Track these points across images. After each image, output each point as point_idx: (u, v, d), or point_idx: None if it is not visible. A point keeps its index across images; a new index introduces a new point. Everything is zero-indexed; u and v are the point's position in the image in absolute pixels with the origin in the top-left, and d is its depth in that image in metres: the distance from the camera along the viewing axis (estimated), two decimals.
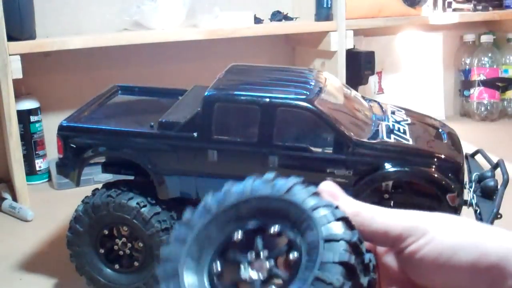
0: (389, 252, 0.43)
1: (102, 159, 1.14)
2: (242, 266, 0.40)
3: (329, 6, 1.83)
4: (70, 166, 1.06)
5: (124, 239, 1.03)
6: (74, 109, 1.14)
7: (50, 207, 1.50)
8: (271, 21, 1.95)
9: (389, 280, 0.43)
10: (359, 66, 1.91)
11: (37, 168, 1.68)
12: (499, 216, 0.97)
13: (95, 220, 1.01)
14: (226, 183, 0.44)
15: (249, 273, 0.40)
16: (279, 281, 0.40)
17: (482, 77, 2.24)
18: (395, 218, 0.40)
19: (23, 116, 1.62)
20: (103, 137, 1.05)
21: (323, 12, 1.84)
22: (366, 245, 0.40)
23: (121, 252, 1.04)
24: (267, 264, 0.40)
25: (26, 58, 1.47)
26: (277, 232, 0.41)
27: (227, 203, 0.43)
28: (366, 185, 0.99)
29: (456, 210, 1.01)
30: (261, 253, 0.41)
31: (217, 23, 1.73)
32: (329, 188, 0.42)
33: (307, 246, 0.39)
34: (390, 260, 0.43)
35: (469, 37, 2.30)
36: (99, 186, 1.06)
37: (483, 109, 2.27)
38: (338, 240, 0.38)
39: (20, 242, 1.30)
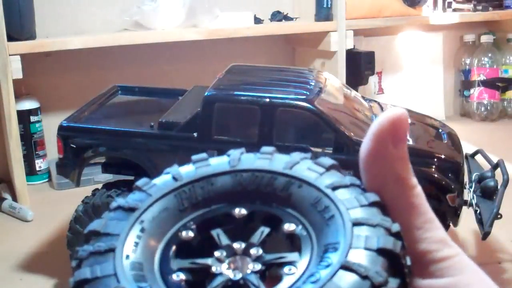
0: None
1: (102, 159, 1.15)
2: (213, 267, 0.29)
3: (329, 6, 1.83)
4: (70, 166, 1.06)
5: None
6: (74, 109, 1.14)
7: (50, 207, 1.50)
8: (271, 21, 1.95)
9: None
10: (359, 66, 1.91)
11: (37, 168, 1.68)
12: (499, 216, 0.97)
13: None
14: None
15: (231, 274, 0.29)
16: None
17: (482, 77, 2.24)
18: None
19: (23, 116, 1.62)
20: (103, 137, 1.05)
21: (323, 12, 1.84)
22: None
23: None
24: (252, 253, 0.29)
25: (26, 58, 1.47)
26: (246, 215, 0.31)
27: (199, 174, 0.32)
28: None
29: (456, 210, 1.01)
30: (234, 245, 0.30)
31: (217, 23, 1.73)
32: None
33: (317, 229, 0.29)
34: None
35: (469, 37, 2.29)
36: (99, 186, 1.06)
37: (483, 109, 2.26)
38: (374, 226, 0.28)
39: (20, 242, 1.30)
